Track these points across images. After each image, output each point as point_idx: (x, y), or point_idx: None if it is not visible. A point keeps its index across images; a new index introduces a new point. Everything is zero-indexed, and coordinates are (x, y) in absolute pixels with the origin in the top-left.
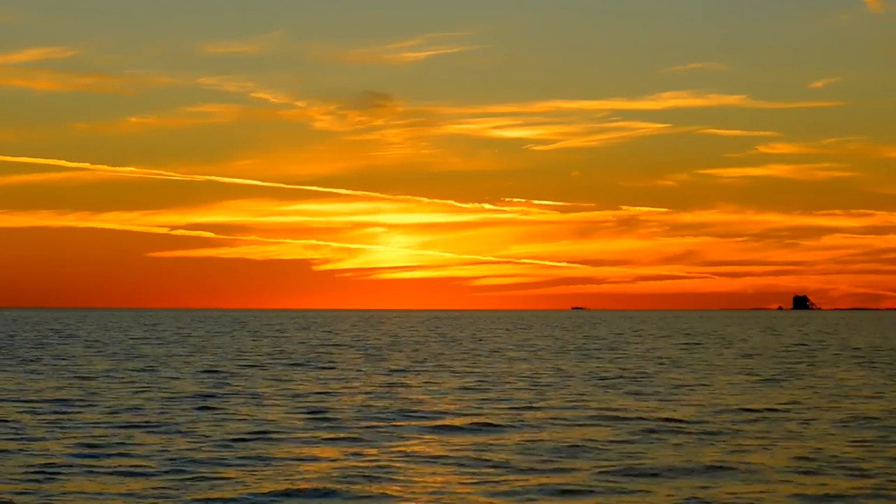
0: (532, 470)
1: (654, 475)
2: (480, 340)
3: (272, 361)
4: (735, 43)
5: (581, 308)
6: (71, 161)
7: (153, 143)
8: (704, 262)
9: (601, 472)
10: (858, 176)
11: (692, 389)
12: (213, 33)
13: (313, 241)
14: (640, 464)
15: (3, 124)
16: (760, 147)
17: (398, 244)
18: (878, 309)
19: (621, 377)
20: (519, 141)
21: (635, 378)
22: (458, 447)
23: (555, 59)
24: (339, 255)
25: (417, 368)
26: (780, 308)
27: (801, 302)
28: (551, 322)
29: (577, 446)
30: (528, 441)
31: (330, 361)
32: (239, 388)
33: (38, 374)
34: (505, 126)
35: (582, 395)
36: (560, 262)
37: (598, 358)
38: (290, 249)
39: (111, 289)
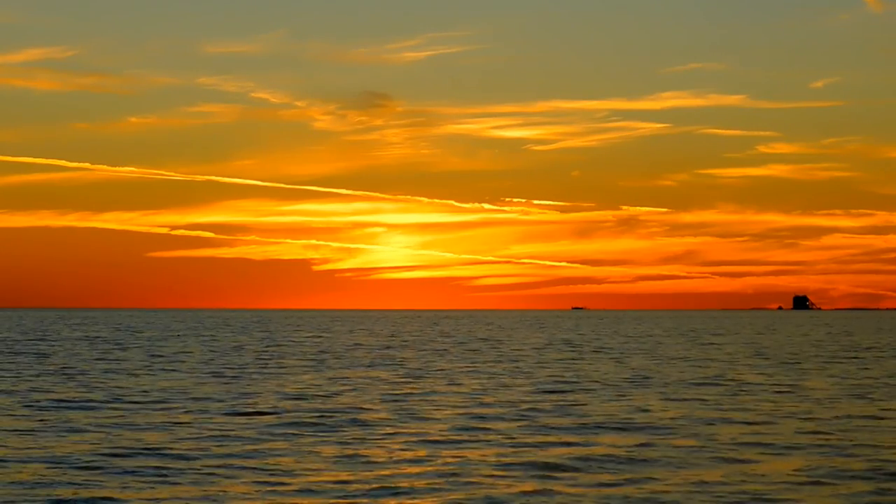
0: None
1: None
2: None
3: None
4: (735, 43)
5: (581, 308)
6: (71, 161)
7: (153, 143)
8: (704, 262)
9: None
10: (858, 176)
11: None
12: (213, 33)
13: (313, 241)
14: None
15: (3, 124)
16: (760, 147)
17: (398, 244)
18: (878, 309)
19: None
20: (519, 141)
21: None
22: (630, 446)
23: (555, 59)
24: (339, 255)
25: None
26: (780, 308)
27: (801, 302)
28: (571, 323)
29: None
30: (690, 440)
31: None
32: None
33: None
34: (505, 126)
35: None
36: (560, 262)
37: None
38: (290, 249)
39: (111, 289)
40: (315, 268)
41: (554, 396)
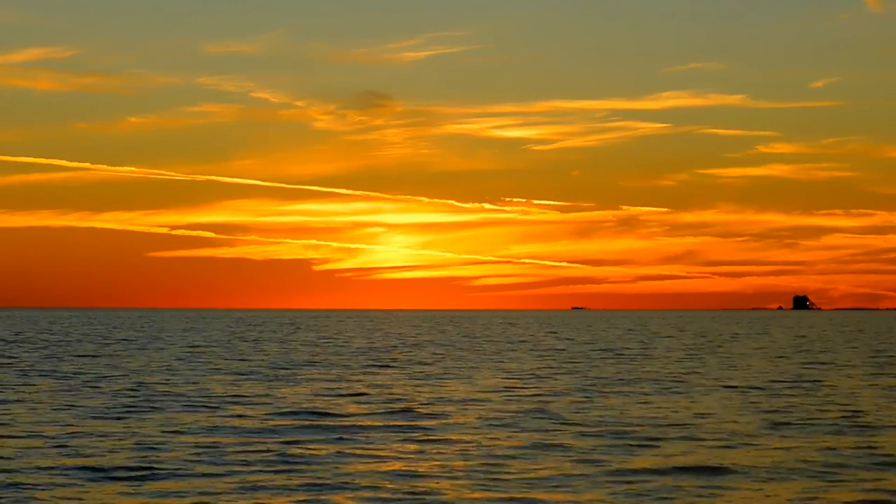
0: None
1: None
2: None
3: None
4: (735, 43)
5: (581, 308)
6: (71, 161)
7: (153, 143)
8: (704, 262)
9: None
10: (858, 176)
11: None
12: (213, 33)
13: (313, 241)
14: None
15: (3, 124)
16: (760, 147)
17: (398, 244)
18: (878, 309)
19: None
20: (519, 141)
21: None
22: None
23: (555, 59)
24: (339, 255)
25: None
26: (780, 308)
27: (801, 302)
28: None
29: None
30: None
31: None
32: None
33: None
34: (505, 126)
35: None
36: (560, 262)
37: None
38: (290, 249)
39: (111, 289)
40: (315, 268)
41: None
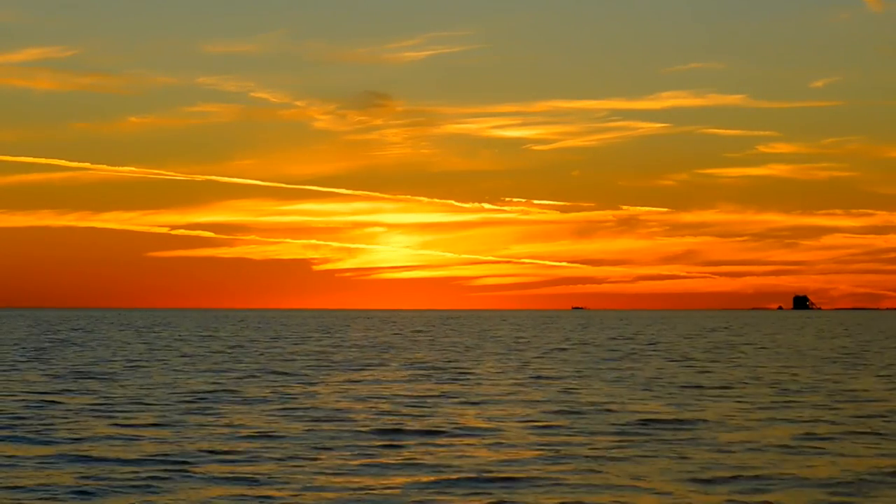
0: None
1: None
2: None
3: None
4: (735, 43)
5: (581, 308)
6: (71, 161)
7: (153, 143)
8: (704, 261)
9: None
10: (858, 176)
11: None
12: (212, 33)
13: (313, 241)
14: None
15: (3, 124)
16: (760, 147)
17: (398, 244)
18: (878, 309)
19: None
20: (519, 141)
21: None
22: None
23: (554, 59)
24: (339, 254)
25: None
26: (780, 308)
27: (801, 302)
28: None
29: None
30: None
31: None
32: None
33: None
34: (505, 126)
35: None
36: (560, 261)
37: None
38: (290, 249)
39: (111, 289)
40: (315, 268)
41: None
